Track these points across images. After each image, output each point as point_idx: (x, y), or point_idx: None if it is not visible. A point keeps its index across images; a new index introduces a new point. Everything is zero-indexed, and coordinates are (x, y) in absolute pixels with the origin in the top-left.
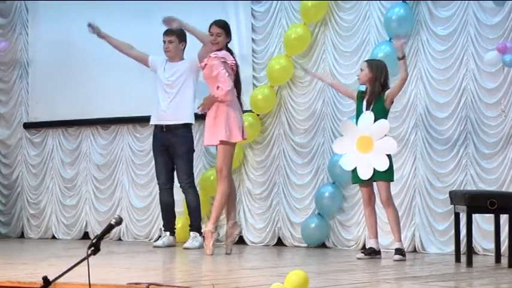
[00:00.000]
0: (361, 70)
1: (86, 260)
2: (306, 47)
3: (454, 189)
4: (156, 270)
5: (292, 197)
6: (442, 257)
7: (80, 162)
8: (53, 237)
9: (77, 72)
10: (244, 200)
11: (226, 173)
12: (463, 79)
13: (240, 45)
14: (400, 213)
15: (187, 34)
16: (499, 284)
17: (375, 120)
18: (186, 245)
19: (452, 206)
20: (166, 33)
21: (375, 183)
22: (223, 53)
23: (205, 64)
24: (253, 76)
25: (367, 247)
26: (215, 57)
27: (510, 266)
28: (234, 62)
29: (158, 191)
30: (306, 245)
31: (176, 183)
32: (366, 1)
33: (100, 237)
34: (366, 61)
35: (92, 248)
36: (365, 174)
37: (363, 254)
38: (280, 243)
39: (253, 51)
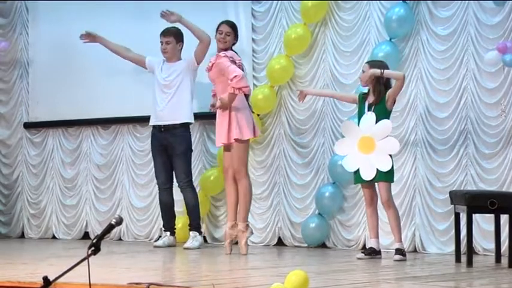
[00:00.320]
0: (363, 71)
1: (87, 260)
2: (306, 47)
3: (454, 189)
4: (157, 270)
5: (292, 197)
6: (442, 257)
7: (80, 162)
8: (53, 237)
9: (77, 72)
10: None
11: (243, 171)
12: (463, 79)
13: (240, 45)
14: (400, 213)
15: (185, 33)
16: (499, 284)
17: (376, 121)
18: (186, 245)
19: (452, 206)
20: (164, 34)
21: (376, 184)
22: (231, 52)
23: (212, 64)
24: (254, 76)
25: (367, 247)
26: (224, 56)
27: (510, 266)
28: (241, 61)
29: (158, 191)
30: (306, 245)
31: (175, 183)
32: (366, 1)
33: (100, 237)
34: (367, 62)
35: (92, 248)
36: (368, 175)
37: (363, 254)
38: (280, 243)
39: (253, 51)
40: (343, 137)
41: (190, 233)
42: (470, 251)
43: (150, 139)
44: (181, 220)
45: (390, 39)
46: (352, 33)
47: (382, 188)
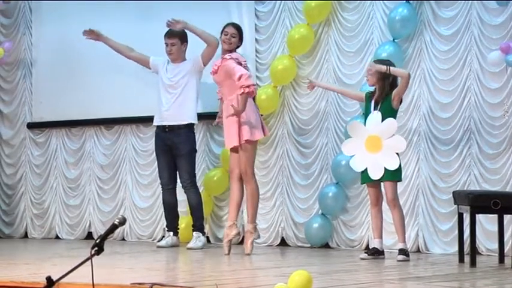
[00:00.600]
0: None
1: (90, 260)
2: (310, 47)
3: (457, 189)
4: (160, 271)
5: (295, 197)
6: (445, 257)
7: (84, 162)
8: (57, 237)
9: (80, 72)
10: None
11: (251, 172)
12: (466, 79)
13: (243, 45)
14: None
15: (189, 33)
16: (502, 285)
17: (382, 120)
18: (189, 245)
19: (455, 206)
20: (168, 35)
21: (382, 184)
22: (236, 54)
23: (218, 67)
24: (257, 76)
25: (370, 247)
26: (230, 58)
27: None
28: (246, 63)
29: (161, 191)
30: (309, 245)
31: (179, 183)
32: (369, 1)
33: (104, 237)
34: (374, 62)
35: (96, 248)
36: (376, 174)
37: (366, 254)
38: (283, 243)
39: (256, 51)
40: (349, 137)
41: (194, 233)
42: (474, 251)
43: (153, 139)
44: (185, 220)
45: (393, 40)
46: (356, 34)
47: (389, 187)
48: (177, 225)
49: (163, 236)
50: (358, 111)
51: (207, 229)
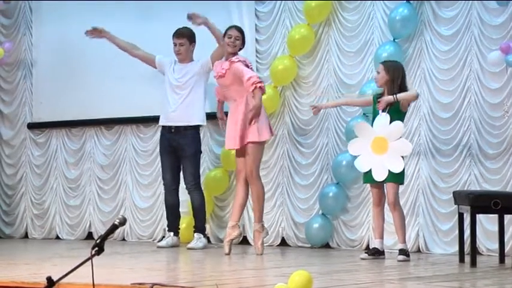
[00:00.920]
0: (378, 73)
1: (90, 260)
2: (310, 47)
3: (457, 189)
4: (160, 271)
5: (296, 197)
6: (446, 258)
7: (84, 162)
8: (57, 237)
9: (80, 73)
10: (248, 201)
11: (256, 173)
12: (466, 79)
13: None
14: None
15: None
16: (503, 285)
17: (390, 122)
18: (190, 245)
19: (456, 206)
20: (177, 35)
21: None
22: (242, 57)
23: (226, 70)
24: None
25: (371, 247)
26: (238, 60)
27: None
28: (251, 65)
29: (163, 192)
30: (309, 245)
31: (182, 184)
32: (369, 1)
33: (104, 237)
34: (382, 63)
35: (96, 248)
36: (380, 175)
37: (366, 255)
38: (284, 243)
39: (256, 51)
40: (350, 137)
41: (195, 234)
42: (474, 251)
43: (153, 139)
44: (186, 220)
45: (394, 40)
46: (356, 34)
47: (390, 189)
48: (178, 225)
49: (164, 236)
50: (358, 111)
51: (207, 229)
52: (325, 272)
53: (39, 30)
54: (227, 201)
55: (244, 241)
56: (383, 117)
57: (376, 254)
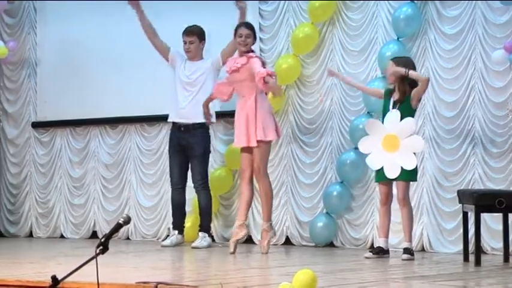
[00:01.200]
0: (388, 70)
1: (95, 259)
2: (314, 46)
3: (462, 188)
4: (165, 269)
5: (300, 196)
6: (450, 256)
7: (88, 161)
8: (61, 236)
9: (85, 72)
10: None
11: (263, 171)
12: (470, 78)
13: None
14: None
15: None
16: (507, 284)
17: (401, 119)
18: (194, 244)
19: (460, 205)
20: (187, 33)
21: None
22: (257, 55)
23: (242, 65)
24: None
25: (375, 246)
26: (255, 56)
27: None
28: (267, 64)
29: (167, 190)
30: (314, 244)
31: (189, 183)
32: (373, 1)
33: (108, 236)
34: (392, 59)
35: (101, 247)
36: (392, 173)
37: (371, 253)
38: (288, 242)
39: (260, 50)
40: (355, 136)
41: (200, 233)
42: (478, 250)
43: (157, 138)
44: (191, 219)
45: (398, 39)
46: (360, 33)
47: (401, 186)
48: (183, 224)
49: (168, 235)
50: (362, 110)
51: (211, 228)
52: (330, 270)
53: (43, 30)
54: (231, 200)
55: (249, 240)
56: (393, 114)
57: (381, 252)
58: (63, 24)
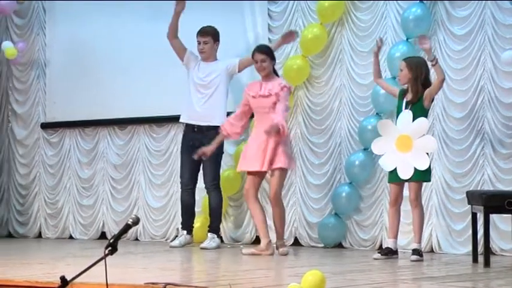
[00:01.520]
0: (400, 70)
1: (103, 260)
2: (323, 47)
3: (471, 189)
4: (173, 270)
5: (308, 197)
6: (459, 258)
7: (97, 162)
8: (70, 237)
9: (94, 73)
10: (260, 201)
11: (280, 196)
12: (480, 79)
13: (256, 45)
14: None
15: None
16: None
17: (413, 119)
18: (203, 245)
19: (469, 206)
20: (201, 33)
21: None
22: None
23: (275, 93)
24: None
25: (383, 247)
26: (287, 88)
27: None
28: (292, 88)
29: (176, 191)
30: (322, 245)
31: (200, 184)
32: (383, 1)
33: (117, 237)
34: (404, 60)
35: (109, 248)
36: (405, 174)
37: (379, 254)
38: (297, 243)
39: None
40: (364, 136)
41: (209, 234)
42: (488, 252)
43: (166, 139)
44: (200, 220)
45: (407, 39)
46: (369, 33)
47: (413, 186)
48: (192, 224)
49: (177, 236)
50: (371, 111)
51: (220, 229)
52: (338, 271)
53: (52, 30)
54: (239, 201)
55: (257, 241)
56: (406, 115)
57: (389, 253)
58: (73, 25)
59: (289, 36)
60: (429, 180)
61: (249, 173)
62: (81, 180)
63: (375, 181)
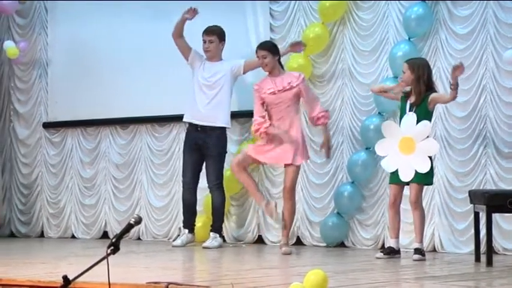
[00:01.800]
0: (403, 72)
1: (106, 259)
2: (324, 46)
3: (473, 188)
4: (176, 270)
5: (311, 197)
6: (461, 257)
7: (99, 161)
8: (73, 236)
9: (95, 72)
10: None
11: (294, 191)
12: (482, 78)
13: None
14: None
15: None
16: None
17: (417, 122)
18: (205, 244)
19: (471, 205)
20: (207, 32)
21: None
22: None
23: (297, 85)
24: None
25: (386, 246)
26: (302, 78)
27: None
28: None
29: (178, 191)
30: (324, 244)
31: (202, 184)
32: (384, 0)
33: (119, 236)
34: (407, 62)
35: (112, 247)
36: (406, 176)
37: (382, 254)
38: (299, 242)
39: None
40: (367, 136)
41: (211, 233)
42: (490, 251)
43: (168, 138)
44: (202, 219)
45: (409, 39)
46: (371, 33)
47: (414, 188)
48: (194, 223)
49: (179, 235)
50: (373, 110)
51: (223, 228)
52: (341, 271)
53: (54, 30)
54: (241, 200)
55: (260, 240)
56: (410, 117)
57: (392, 253)
58: (74, 25)
59: (298, 45)
60: (431, 184)
61: (257, 159)
62: (83, 179)
63: (377, 180)
